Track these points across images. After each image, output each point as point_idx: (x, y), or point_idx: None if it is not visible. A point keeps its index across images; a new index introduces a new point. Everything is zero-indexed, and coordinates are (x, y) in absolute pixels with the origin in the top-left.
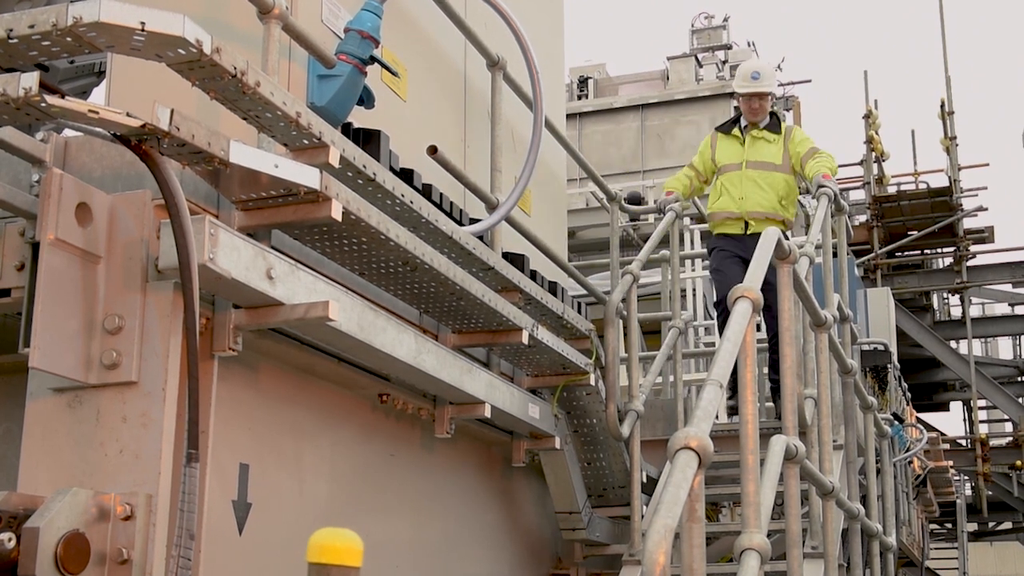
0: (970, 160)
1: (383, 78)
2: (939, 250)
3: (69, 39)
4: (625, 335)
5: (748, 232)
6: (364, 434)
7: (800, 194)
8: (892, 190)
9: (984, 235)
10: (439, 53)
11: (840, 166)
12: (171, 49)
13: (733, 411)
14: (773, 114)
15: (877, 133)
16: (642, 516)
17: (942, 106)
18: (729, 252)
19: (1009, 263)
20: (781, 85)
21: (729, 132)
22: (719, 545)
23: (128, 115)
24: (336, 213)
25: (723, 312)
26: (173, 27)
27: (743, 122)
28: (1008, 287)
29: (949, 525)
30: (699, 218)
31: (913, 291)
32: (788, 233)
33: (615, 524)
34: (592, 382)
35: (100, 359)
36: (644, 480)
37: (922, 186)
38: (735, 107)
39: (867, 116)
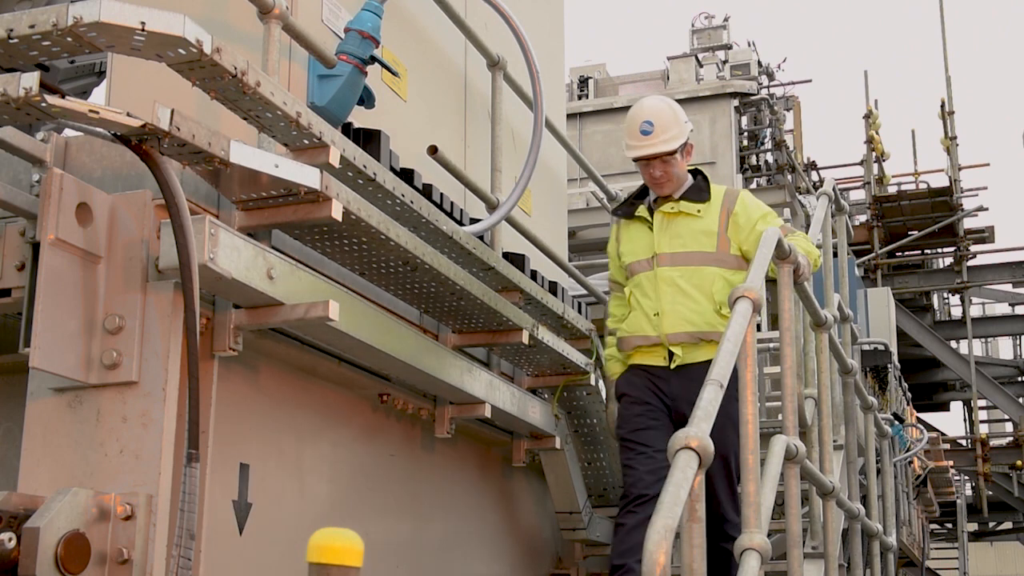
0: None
1: (383, 78)
2: (939, 250)
3: (69, 39)
4: None
5: (674, 365)
6: (364, 434)
7: (801, 193)
8: (892, 190)
9: (984, 235)
10: (439, 53)
11: (840, 166)
12: (171, 49)
13: None
14: (696, 172)
15: (877, 133)
16: None
17: (942, 106)
18: (643, 401)
19: (1009, 263)
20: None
21: (632, 214)
22: None
23: (128, 115)
24: (336, 213)
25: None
26: (173, 27)
27: (651, 196)
28: (1008, 287)
29: (949, 525)
30: None
31: (913, 291)
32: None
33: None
34: (592, 382)
35: (100, 359)
36: None
37: (922, 186)
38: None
39: (867, 116)
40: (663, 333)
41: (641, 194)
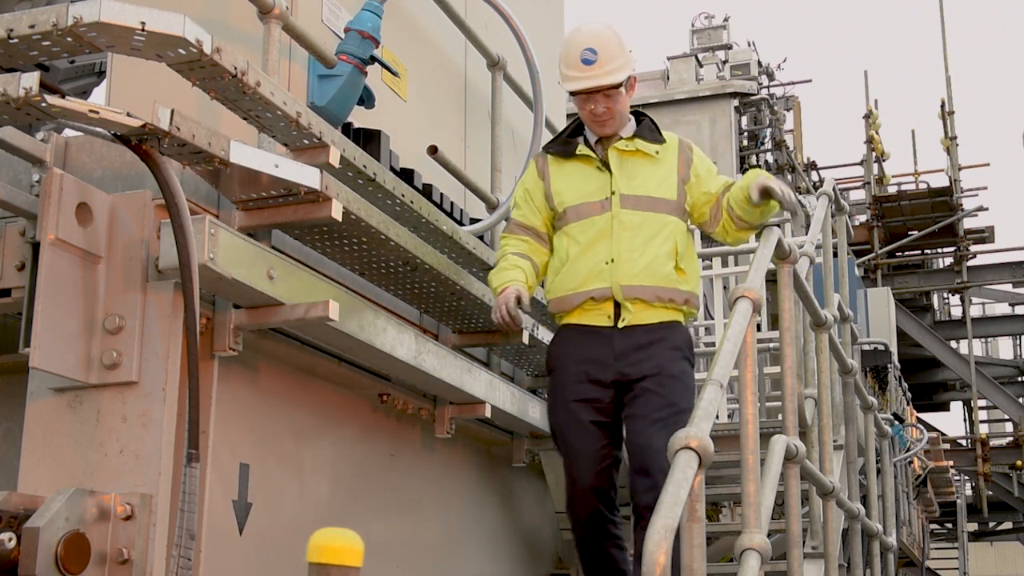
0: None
1: (383, 78)
2: (939, 250)
3: (69, 39)
4: None
5: (621, 325)
6: (364, 434)
7: (801, 193)
8: (892, 190)
9: (984, 235)
10: (439, 53)
11: (840, 166)
12: (171, 49)
13: None
14: (639, 115)
15: (877, 133)
16: None
17: (942, 106)
18: (583, 378)
19: (1009, 263)
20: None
21: (571, 153)
22: (719, 545)
23: (128, 115)
24: (336, 213)
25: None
26: (173, 27)
27: (589, 136)
28: (1008, 287)
29: (949, 525)
30: None
31: (913, 291)
32: (692, 328)
33: None
34: None
35: (100, 359)
36: None
37: (922, 186)
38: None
39: (867, 116)
40: (617, 283)
41: (575, 133)
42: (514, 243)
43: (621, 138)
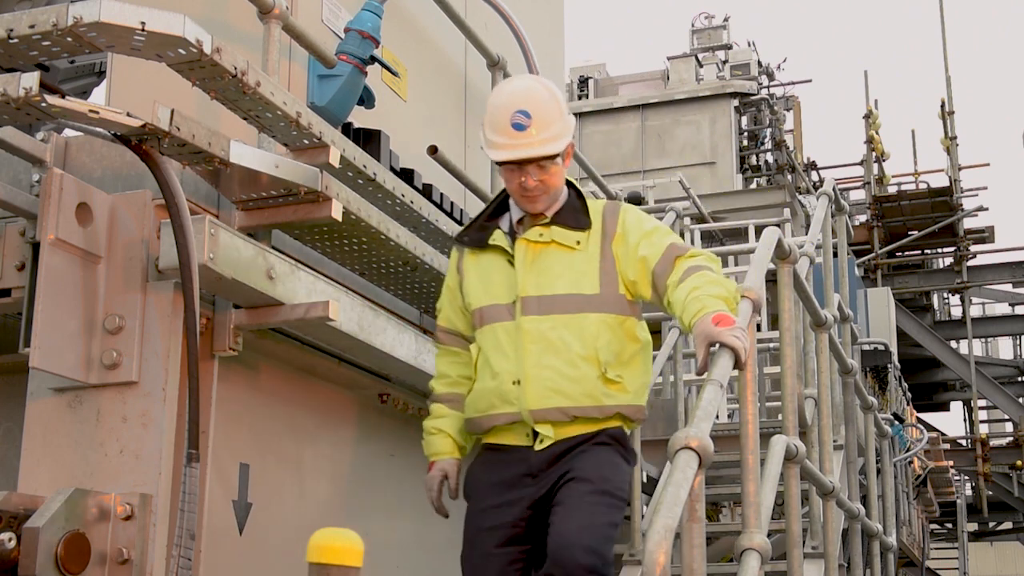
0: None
1: (383, 78)
2: (939, 250)
3: (69, 39)
4: None
5: (539, 447)
6: (364, 434)
7: (801, 193)
8: (892, 190)
9: (984, 235)
10: (439, 53)
11: (840, 166)
12: (171, 49)
13: None
14: (571, 186)
15: (877, 133)
16: (642, 516)
17: (942, 106)
18: (496, 503)
19: (1009, 263)
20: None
21: (483, 242)
22: (719, 545)
23: (128, 115)
24: (336, 213)
25: None
26: (173, 27)
27: (512, 213)
28: (1008, 287)
29: (949, 525)
30: (699, 218)
31: (913, 291)
32: (632, 434)
33: None
34: None
35: (100, 359)
36: (644, 480)
37: (922, 186)
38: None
39: (867, 116)
40: (525, 409)
41: (496, 213)
42: (443, 365)
43: (536, 225)
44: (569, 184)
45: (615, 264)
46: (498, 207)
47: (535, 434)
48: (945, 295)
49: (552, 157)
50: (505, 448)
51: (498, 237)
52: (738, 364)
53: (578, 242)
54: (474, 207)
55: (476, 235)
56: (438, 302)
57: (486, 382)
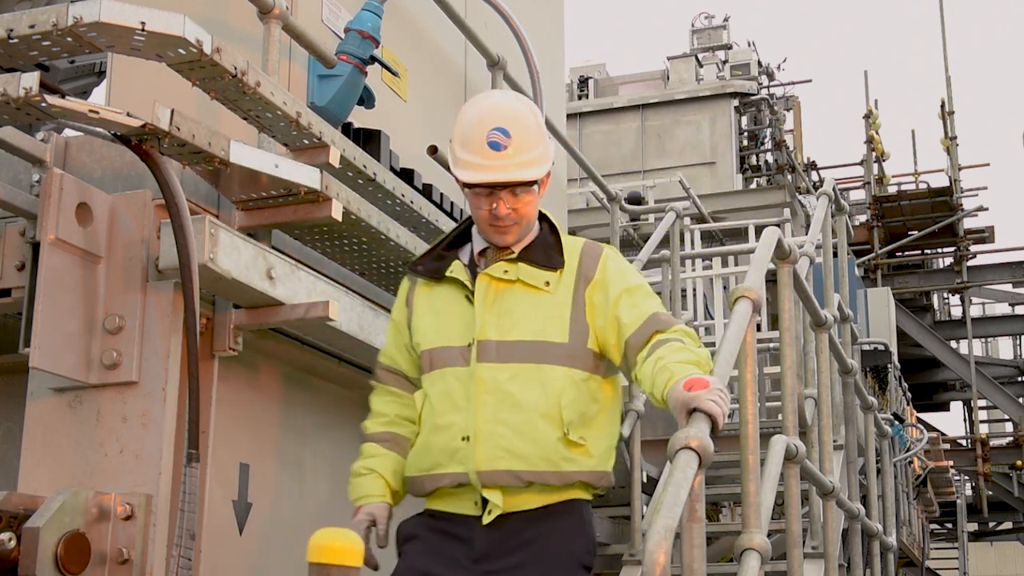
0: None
1: (383, 78)
2: (939, 250)
3: (69, 39)
4: None
5: (487, 519)
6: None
7: (801, 193)
8: (892, 190)
9: (984, 235)
10: (439, 53)
11: (840, 166)
12: (171, 49)
13: None
14: (544, 219)
15: (877, 133)
16: (642, 516)
17: (942, 106)
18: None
19: (1009, 263)
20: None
21: (440, 275)
22: (719, 545)
23: (128, 115)
24: (336, 213)
25: None
26: (173, 27)
27: (475, 244)
28: (1008, 287)
29: (949, 525)
30: (699, 218)
31: (913, 291)
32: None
33: (615, 524)
34: None
35: (100, 359)
36: (644, 480)
37: (922, 186)
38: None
39: (867, 116)
40: (474, 470)
41: (456, 242)
42: (380, 404)
43: (501, 259)
44: (543, 217)
45: (587, 313)
46: (459, 236)
47: (484, 502)
48: (945, 295)
49: (529, 184)
50: (448, 517)
51: (456, 269)
52: (714, 429)
53: (547, 283)
54: None
55: (432, 265)
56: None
57: (432, 436)
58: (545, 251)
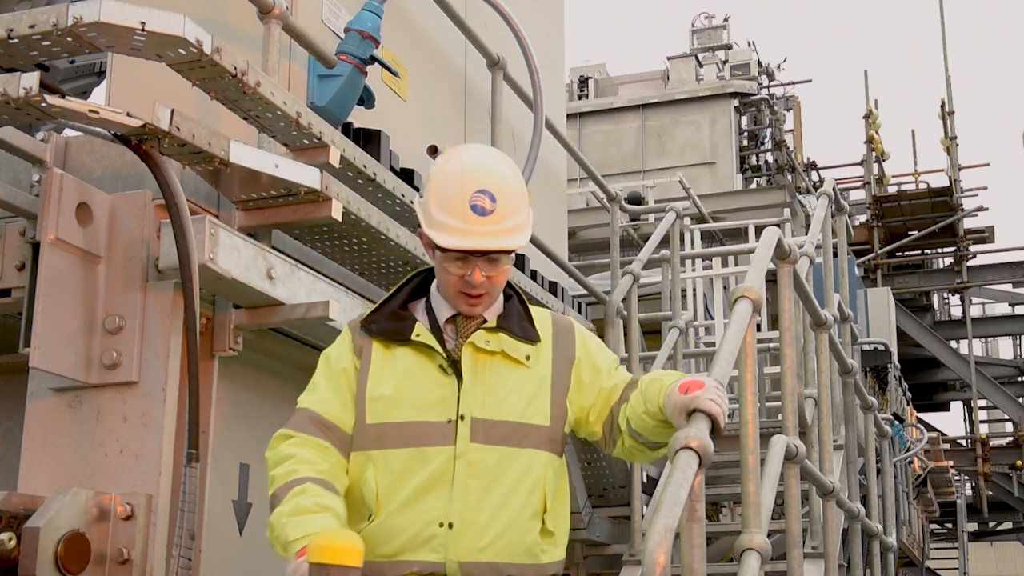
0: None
1: (383, 78)
2: (939, 250)
3: (69, 39)
4: (625, 335)
5: None
6: None
7: (801, 193)
8: (892, 190)
9: (984, 235)
10: (439, 53)
11: (840, 166)
12: (171, 49)
13: None
14: (510, 287)
15: (877, 133)
16: (642, 516)
17: (942, 106)
18: None
19: (1009, 263)
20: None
21: (404, 336)
22: (719, 545)
23: (128, 115)
24: (336, 213)
25: None
26: (173, 27)
27: (437, 308)
28: (1008, 287)
29: (949, 525)
30: (699, 218)
31: (913, 291)
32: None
33: (615, 524)
34: None
35: (100, 359)
36: (644, 480)
37: (922, 186)
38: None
39: (867, 116)
40: (455, 560)
41: (412, 296)
42: (311, 454)
43: (482, 327)
44: (508, 285)
45: (571, 392)
46: (411, 295)
47: None
48: (945, 295)
49: (508, 252)
50: None
51: (423, 334)
52: (715, 429)
53: (528, 356)
54: None
55: (388, 325)
56: (314, 377)
57: (394, 519)
58: (519, 322)
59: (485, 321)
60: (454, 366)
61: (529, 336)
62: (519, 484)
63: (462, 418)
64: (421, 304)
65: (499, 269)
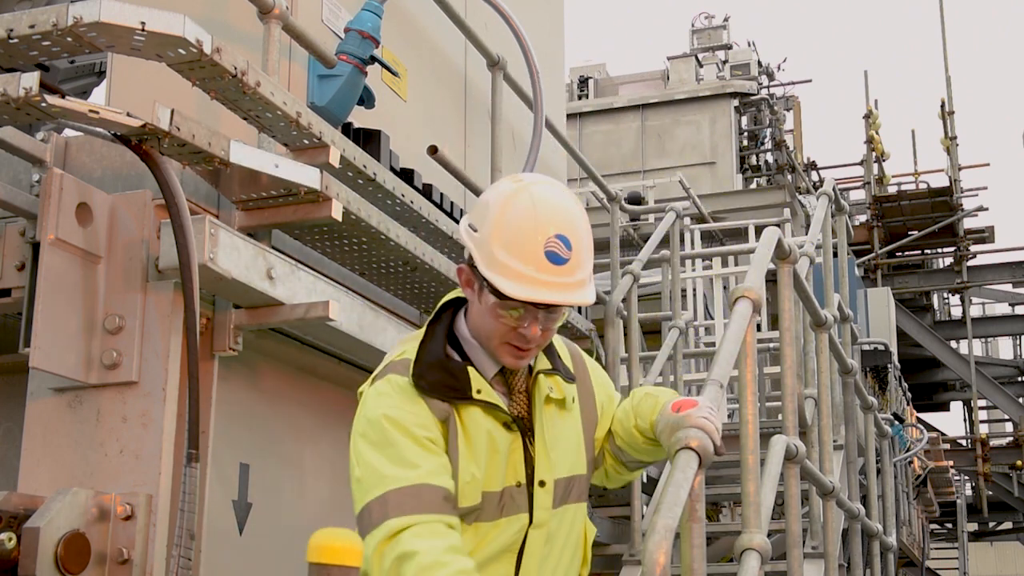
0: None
1: (383, 78)
2: (939, 250)
3: (69, 39)
4: (625, 335)
5: None
6: None
7: (801, 193)
8: (892, 190)
9: (984, 235)
10: (439, 53)
11: (840, 166)
12: (171, 49)
13: None
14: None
15: (877, 133)
16: (642, 516)
17: (942, 106)
18: None
19: (1009, 263)
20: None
21: (466, 394)
22: (719, 545)
23: (128, 115)
24: (336, 213)
25: None
26: (173, 27)
27: (479, 360)
28: (1008, 287)
29: (949, 525)
30: (699, 218)
31: (913, 291)
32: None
33: (615, 524)
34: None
35: (100, 359)
36: (644, 480)
37: (922, 186)
38: (490, 295)
39: (867, 116)
40: None
41: (436, 361)
42: (456, 539)
43: (541, 371)
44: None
45: (596, 430)
46: (437, 359)
47: None
48: (945, 295)
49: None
50: None
51: (484, 389)
52: (716, 450)
53: (573, 399)
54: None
55: (440, 378)
56: (400, 452)
57: None
58: (556, 359)
59: (540, 370)
60: (519, 423)
61: (570, 376)
62: (568, 540)
63: (542, 484)
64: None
65: (555, 321)
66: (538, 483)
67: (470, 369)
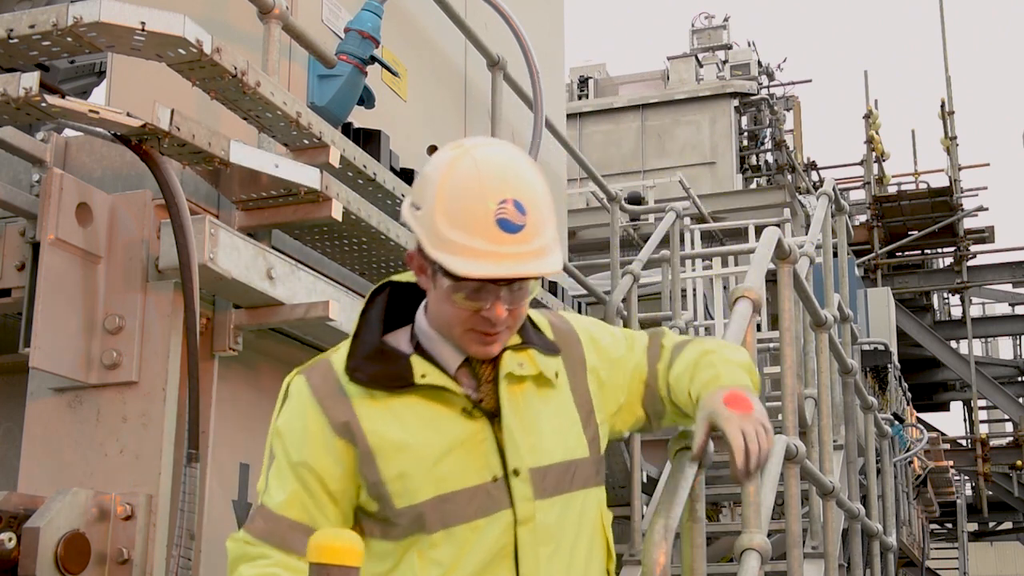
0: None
1: (383, 78)
2: (939, 250)
3: (69, 39)
4: None
5: None
6: None
7: (801, 193)
8: (892, 190)
9: (984, 235)
10: (439, 53)
11: (840, 166)
12: (171, 49)
13: None
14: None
15: (877, 133)
16: (642, 516)
17: (942, 106)
18: None
19: (1009, 263)
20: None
21: (408, 381)
22: (719, 545)
23: (128, 115)
24: (336, 213)
25: None
26: (173, 27)
27: (438, 350)
28: (1008, 287)
29: (949, 525)
30: (699, 218)
31: (913, 291)
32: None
33: (615, 524)
34: None
35: (100, 359)
36: (644, 480)
37: (922, 186)
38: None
39: (867, 116)
40: None
41: (372, 351)
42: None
43: (508, 347)
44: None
45: (592, 407)
46: (389, 353)
47: None
48: (945, 295)
49: (532, 279)
50: None
51: (429, 373)
52: (747, 471)
53: (556, 374)
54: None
55: (377, 369)
56: (265, 477)
57: None
58: (536, 333)
59: (508, 347)
60: (487, 411)
61: (551, 347)
62: (579, 535)
63: (516, 473)
64: (403, 336)
65: (523, 299)
66: (511, 472)
67: (413, 357)
